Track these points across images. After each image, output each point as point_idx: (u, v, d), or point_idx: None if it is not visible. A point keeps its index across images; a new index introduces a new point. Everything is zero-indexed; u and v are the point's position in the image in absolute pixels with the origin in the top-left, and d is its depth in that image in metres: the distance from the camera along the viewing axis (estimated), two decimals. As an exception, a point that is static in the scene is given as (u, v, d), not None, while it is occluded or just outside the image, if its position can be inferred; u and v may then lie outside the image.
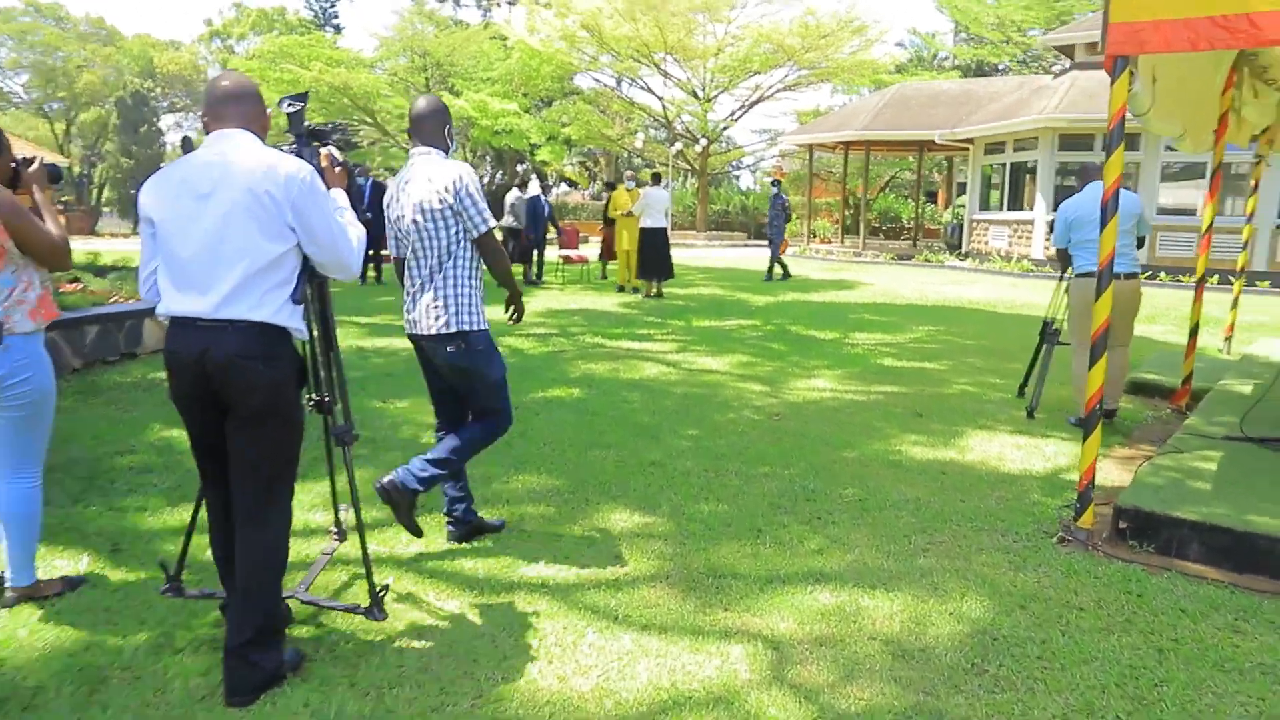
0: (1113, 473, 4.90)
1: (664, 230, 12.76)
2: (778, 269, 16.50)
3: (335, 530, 3.64)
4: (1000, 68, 37.67)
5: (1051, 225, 19.53)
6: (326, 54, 36.37)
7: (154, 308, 2.65)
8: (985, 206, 22.29)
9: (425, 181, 3.42)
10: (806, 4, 32.87)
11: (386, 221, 3.63)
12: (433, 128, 3.54)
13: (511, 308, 3.74)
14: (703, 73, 36.74)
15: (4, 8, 54.15)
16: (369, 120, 38.76)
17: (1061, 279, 6.30)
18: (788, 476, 4.75)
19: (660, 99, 37.79)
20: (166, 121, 61.67)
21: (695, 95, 37.10)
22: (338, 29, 48.12)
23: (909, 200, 34.04)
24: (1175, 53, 3.83)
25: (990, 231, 21.31)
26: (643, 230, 12.78)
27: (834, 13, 33.26)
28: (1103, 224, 3.84)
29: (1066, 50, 20.84)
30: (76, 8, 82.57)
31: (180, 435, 4.96)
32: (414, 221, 3.45)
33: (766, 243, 17.19)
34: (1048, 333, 6.38)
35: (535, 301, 12.51)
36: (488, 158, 52.45)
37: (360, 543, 3.04)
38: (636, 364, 7.83)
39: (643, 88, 39.06)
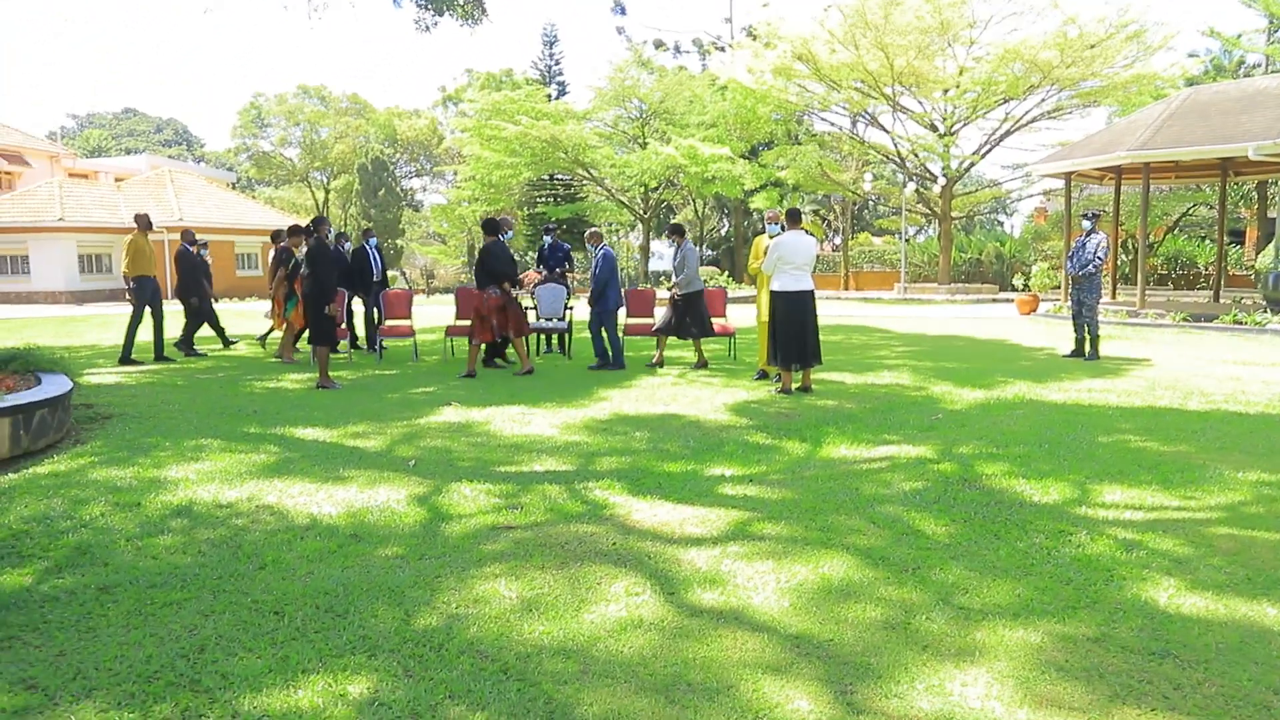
0: None
1: (806, 295, 8.54)
2: (1078, 342, 11.86)
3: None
4: (1333, 72, 29.53)
5: None
6: (536, 108, 35.23)
7: None
8: (1327, 247, 15.98)
9: None
10: (1065, 12, 27.19)
11: None
12: None
13: None
14: (941, 102, 31.72)
15: (278, 93, 59.44)
16: (585, 174, 37.17)
17: None
18: None
19: (889, 133, 33.09)
20: (414, 184, 64.76)
21: (933, 128, 32.01)
22: (562, 86, 47.41)
23: (1206, 241, 27.06)
24: None
25: (1338, 282, 15.02)
26: (774, 295, 8.66)
27: (1102, 18, 27.32)
28: None
29: None
30: (337, 87, 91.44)
31: None
32: None
33: (1071, 307, 11.96)
34: None
35: (614, 399, 8.78)
36: (722, 209, 49.67)
37: None
38: (602, 583, 3.88)
39: (870, 122, 34.57)
